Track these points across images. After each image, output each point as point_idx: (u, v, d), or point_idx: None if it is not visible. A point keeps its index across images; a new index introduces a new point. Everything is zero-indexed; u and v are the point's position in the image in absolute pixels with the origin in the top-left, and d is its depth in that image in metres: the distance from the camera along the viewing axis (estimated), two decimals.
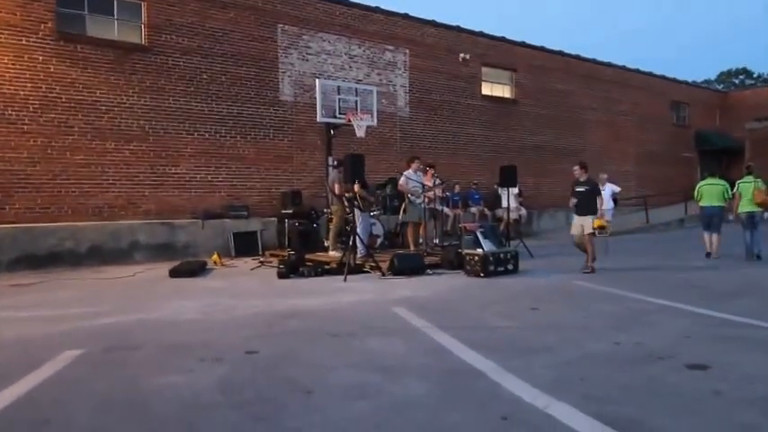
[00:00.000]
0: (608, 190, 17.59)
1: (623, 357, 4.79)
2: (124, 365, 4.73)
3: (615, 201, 17.73)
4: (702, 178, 13.02)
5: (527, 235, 16.28)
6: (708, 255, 12.06)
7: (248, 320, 6.47)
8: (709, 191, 12.20)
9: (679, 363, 4.57)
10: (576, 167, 10.70)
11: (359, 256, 10.54)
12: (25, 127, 11.60)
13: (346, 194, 11.15)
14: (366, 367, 4.58)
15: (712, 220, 12.09)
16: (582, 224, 10.30)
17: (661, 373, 4.35)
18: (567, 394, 3.84)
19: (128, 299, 7.98)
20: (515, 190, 17.21)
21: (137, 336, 5.75)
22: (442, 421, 3.48)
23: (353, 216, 10.94)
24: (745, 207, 11.68)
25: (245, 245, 13.36)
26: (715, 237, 12.02)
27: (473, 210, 16.72)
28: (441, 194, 12.59)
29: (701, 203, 12.38)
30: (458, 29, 18.58)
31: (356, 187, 10.90)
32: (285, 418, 3.54)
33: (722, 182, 12.28)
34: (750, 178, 11.83)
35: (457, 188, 16.77)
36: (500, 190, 16.89)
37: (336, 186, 11.30)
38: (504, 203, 17.09)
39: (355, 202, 11.00)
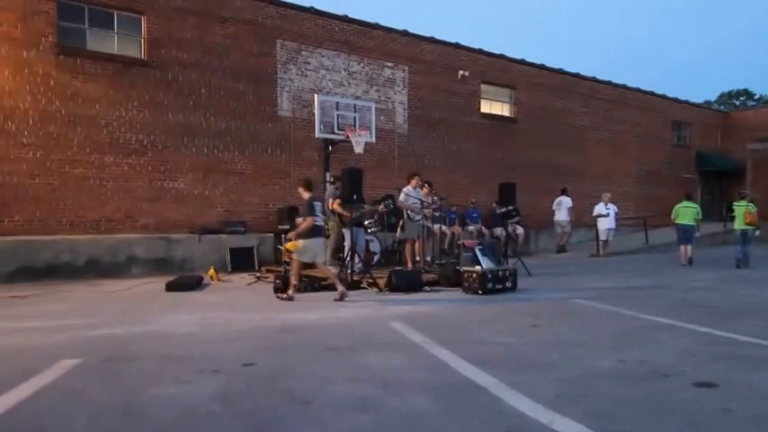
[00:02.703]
0: (612, 210, 17.67)
1: (628, 374, 4.72)
2: (121, 376, 4.65)
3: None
4: (679, 201, 15.51)
5: (525, 254, 16.24)
6: (683, 265, 14.56)
7: (245, 334, 6.40)
8: (685, 212, 14.89)
9: (686, 380, 4.50)
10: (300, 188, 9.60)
11: (356, 272, 10.47)
12: (25, 140, 11.58)
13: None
14: (365, 381, 4.51)
15: (686, 234, 14.81)
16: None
17: (668, 390, 4.28)
18: (572, 410, 3.77)
19: (125, 311, 7.90)
20: (569, 203, 17.83)
21: (134, 347, 5.67)
22: None
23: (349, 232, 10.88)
24: (739, 225, 14.21)
25: (242, 260, 13.29)
26: (689, 247, 14.76)
27: (471, 228, 16.65)
28: (436, 213, 12.53)
29: (677, 221, 14.99)
30: (457, 46, 18.65)
31: (333, 203, 11.02)
32: (284, 429, 3.47)
33: (695, 205, 15.27)
34: (743, 202, 14.43)
35: (454, 208, 16.72)
36: (555, 203, 18.64)
37: (330, 202, 11.29)
38: (559, 216, 18.60)
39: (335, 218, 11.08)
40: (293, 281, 9.16)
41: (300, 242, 9.03)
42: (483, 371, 4.73)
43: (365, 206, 11.40)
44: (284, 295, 9.07)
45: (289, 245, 9.19)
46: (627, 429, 3.47)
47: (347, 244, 10.64)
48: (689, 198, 15.50)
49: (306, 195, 9.35)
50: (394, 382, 4.45)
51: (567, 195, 18.77)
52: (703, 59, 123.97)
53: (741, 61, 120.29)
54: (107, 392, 4.20)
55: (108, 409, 3.85)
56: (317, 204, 9.32)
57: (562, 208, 18.60)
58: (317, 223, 9.12)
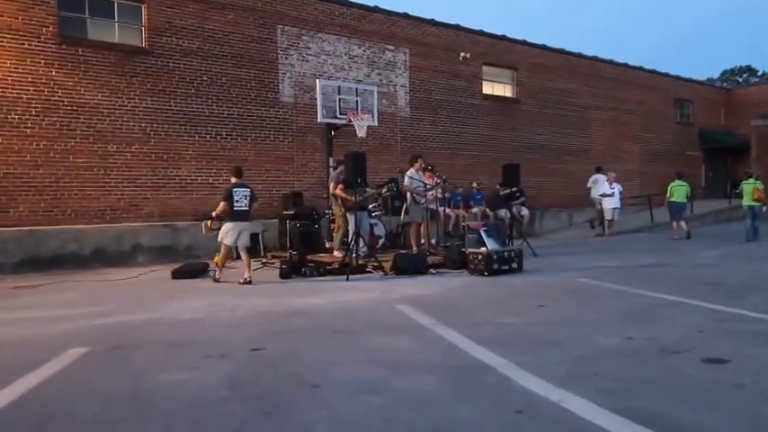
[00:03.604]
0: (616, 189, 17.62)
1: (636, 352, 4.70)
2: (129, 363, 4.66)
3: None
4: (672, 180, 16.64)
5: (530, 235, 16.21)
6: (676, 239, 15.62)
7: (252, 319, 6.41)
8: (678, 190, 16.15)
9: (695, 357, 4.48)
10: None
11: (361, 255, 10.45)
12: (28, 130, 11.55)
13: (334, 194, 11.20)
14: (373, 363, 4.50)
15: (680, 211, 16.13)
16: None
17: (677, 366, 4.26)
18: (582, 388, 3.75)
19: (131, 299, 7.92)
20: (604, 181, 18.29)
21: (141, 334, 5.68)
22: (455, 415, 3.40)
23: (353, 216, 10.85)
24: (747, 201, 15.01)
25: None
26: (683, 223, 15.97)
27: (474, 210, 16.61)
28: (439, 195, 12.48)
29: (671, 199, 16.18)
30: (458, 28, 18.48)
31: (334, 187, 11.08)
32: (293, 412, 3.46)
33: (686, 183, 16.50)
34: (751, 180, 15.23)
35: (459, 189, 16.68)
36: (590, 180, 18.86)
37: (331, 186, 11.27)
38: (594, 193, 18.54)
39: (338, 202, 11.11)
40: (221, 263, 9.84)
41: (224, 225, 9.75)
42: (491, 351, 4.72)
43: (368, 190, 11.35)
44: (215, 275, 9.74)
45: (208, 221, 10.09)
46: (637, 406, 3.45)
47: (351, 228, 10.61)
48: (680, 177, 16.64)
49: (231, 181, 10.03)
50: (402, 365, 4.43)
51: (603, 173, 18.74)
52: (704, 37, 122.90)
53: (743, 38, 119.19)
54: (115, 380, 4.20)
55: (117, 396, 3.85)
56: (238, 191, 9.73)
57: (598, 186, 18.58)
58: (235, 209, 9.64)
